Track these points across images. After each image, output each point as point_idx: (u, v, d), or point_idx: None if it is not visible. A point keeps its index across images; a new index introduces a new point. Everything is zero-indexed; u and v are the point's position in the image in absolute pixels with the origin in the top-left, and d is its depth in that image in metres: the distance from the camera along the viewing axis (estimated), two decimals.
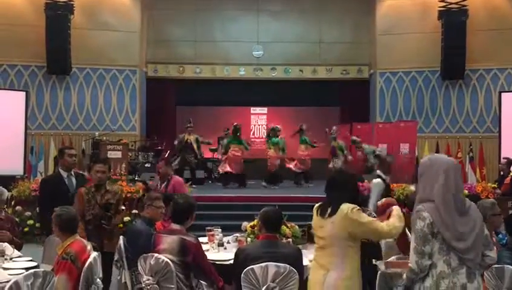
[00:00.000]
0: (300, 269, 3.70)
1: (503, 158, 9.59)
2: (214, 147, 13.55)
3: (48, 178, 6.24)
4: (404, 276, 2.76)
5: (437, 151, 12.89)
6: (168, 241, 3.87)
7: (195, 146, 11.81)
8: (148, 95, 14.43)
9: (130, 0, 13.53)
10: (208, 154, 14.04)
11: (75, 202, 4.78)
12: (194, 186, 10.06)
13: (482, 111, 13.12)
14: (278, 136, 12.00)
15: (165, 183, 6.40)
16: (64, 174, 5.17)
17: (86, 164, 5.41)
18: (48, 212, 3.96)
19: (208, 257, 4.08)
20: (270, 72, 14.76)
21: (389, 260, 3.51)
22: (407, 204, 4.45)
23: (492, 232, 3.96)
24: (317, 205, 3.30)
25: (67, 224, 3.77)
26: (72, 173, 5.25)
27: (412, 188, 9.16)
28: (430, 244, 2.62)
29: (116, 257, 4.55)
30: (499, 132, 11.88)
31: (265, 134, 12.33)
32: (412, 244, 2.67)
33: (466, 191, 8.21)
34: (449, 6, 12.81)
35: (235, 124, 11.90)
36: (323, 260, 3.13)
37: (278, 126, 12.28)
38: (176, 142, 12.08)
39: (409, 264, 2.70)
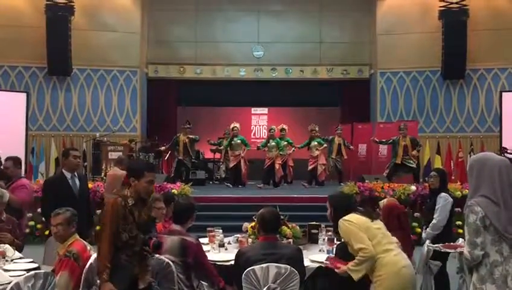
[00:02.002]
0: (302, 269, 3.69)
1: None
2: (214, 148, 13.46)
3: (51, 179, 6.22)
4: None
5: (438, 151, 12.91)
6: (169, 242, 3.87)
7: (188, 147, 11.77)
8: (149, 95, 14.44)
9: (131, 1, 13.54)
10: (208, 155, 14.02)
11: (107, 213, 3.41)
12: (193, 187, 9.98)
13: (482, 110, 13.12)
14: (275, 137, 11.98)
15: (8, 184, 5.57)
16: (68, 175, 5.18)
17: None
18: (51, 213, 3.96)
19: (209, 258, 4.08)
20: (270, 73, 14.75)
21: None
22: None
23: None
24: (361, 215, 3.61)
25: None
26: (76, 174, 5.26)
27: (413, 187, 9.15)
28: (482, 236, 2.81)
29: None
30: (500, 131, 11.88)
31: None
32: (466, 236, 2.89)
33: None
34: (449, 6, 12.81)
35: (232, 126, 11.99)
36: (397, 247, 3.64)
37: (273, 127, 12.33)
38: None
39: (464, 253, 2.93)
